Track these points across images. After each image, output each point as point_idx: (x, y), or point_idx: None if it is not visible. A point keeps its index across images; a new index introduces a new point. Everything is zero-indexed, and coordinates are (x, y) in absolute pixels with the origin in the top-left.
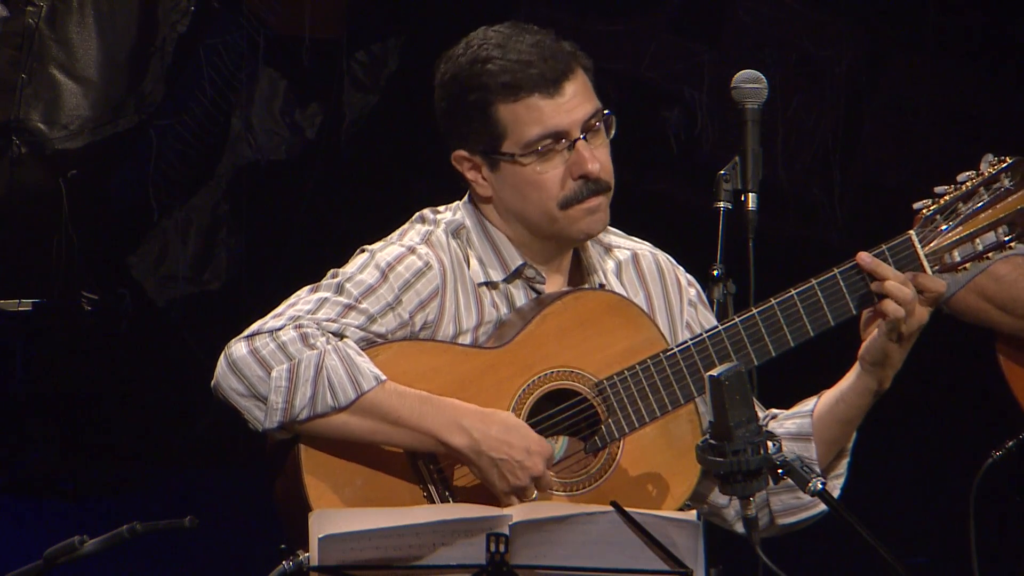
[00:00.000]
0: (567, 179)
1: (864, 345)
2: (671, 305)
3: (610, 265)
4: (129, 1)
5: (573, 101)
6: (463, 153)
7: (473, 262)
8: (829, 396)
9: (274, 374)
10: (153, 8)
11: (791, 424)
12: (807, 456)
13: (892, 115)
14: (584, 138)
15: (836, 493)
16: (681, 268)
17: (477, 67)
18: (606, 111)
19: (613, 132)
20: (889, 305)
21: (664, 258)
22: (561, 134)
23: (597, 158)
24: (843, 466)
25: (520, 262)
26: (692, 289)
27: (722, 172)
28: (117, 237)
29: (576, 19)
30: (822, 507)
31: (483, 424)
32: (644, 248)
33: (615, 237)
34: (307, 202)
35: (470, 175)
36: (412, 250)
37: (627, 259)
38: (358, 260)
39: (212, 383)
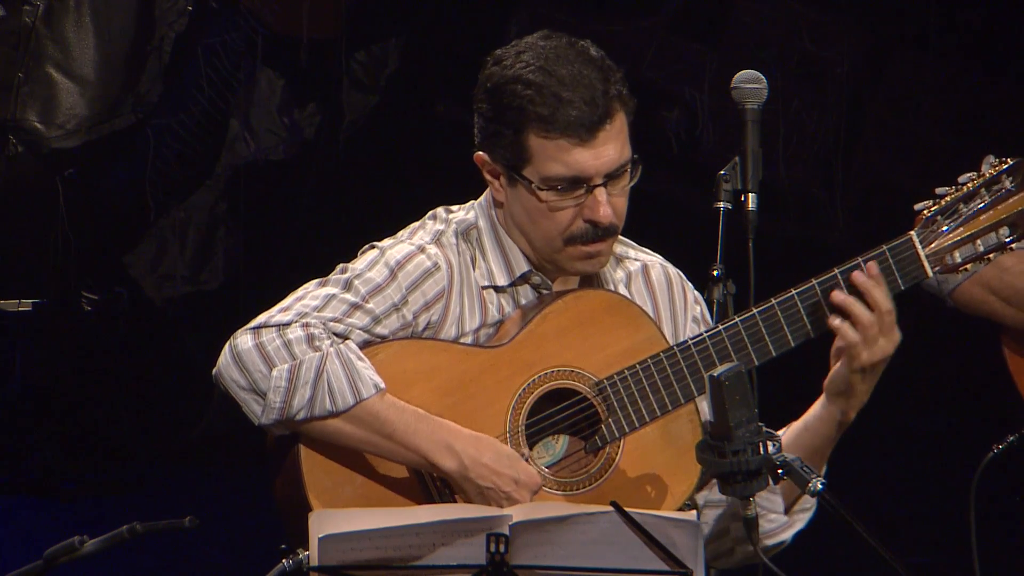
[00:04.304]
0: (577, 218)
1: (829, 374)
2: (676, 319)
3: (620, 275)
4: (126, 0)
5: (604, 149)
6: (486, 157)
7: (480, 264)
8: (796, 427)
9: (275, 372)
10: (150, 7)
11: None
12: (769, 488)
13: (893, 115)
14: (604, 184)
15: (800, 526)
16: (691, 285)
17: (518, 88)
18: (635, 156)
19: (637, 178)
20: (845, 328)
21: (675, 272)
22: (583, 180)
23: (612, 205)
24: (811, 500)
25: (526, 268)
26: (698, 307)
27: (722, 172)
28: (114, 236)
29: (576, 19)
30: (793, 531)
31: (475, 450)
32: (655, 260)
33: (627, 248)
34: (305, 202)
35: (488, 178)
36: (422, 249)
37: (637, 270)
38: (368, 256)
39: (214, 371)
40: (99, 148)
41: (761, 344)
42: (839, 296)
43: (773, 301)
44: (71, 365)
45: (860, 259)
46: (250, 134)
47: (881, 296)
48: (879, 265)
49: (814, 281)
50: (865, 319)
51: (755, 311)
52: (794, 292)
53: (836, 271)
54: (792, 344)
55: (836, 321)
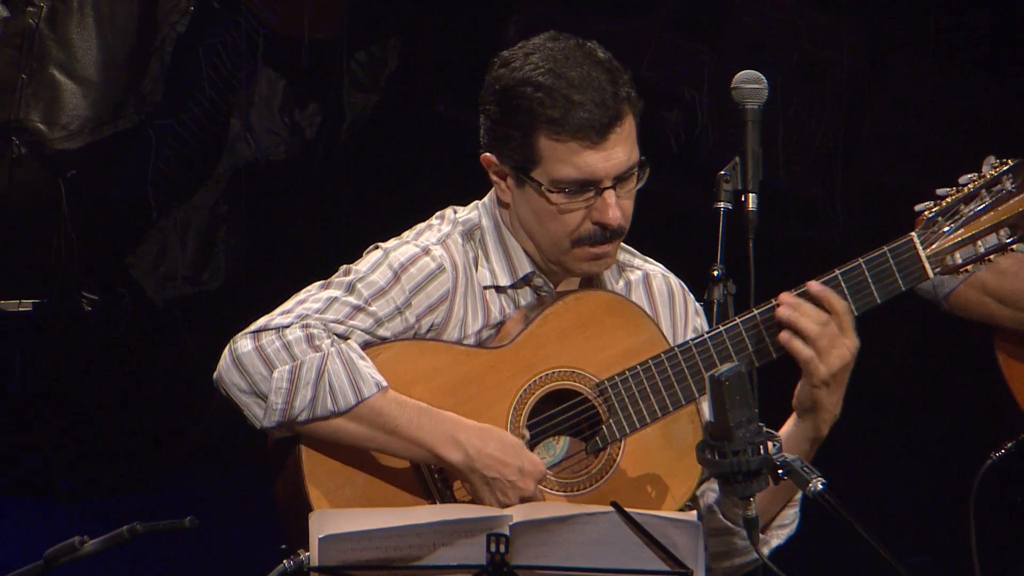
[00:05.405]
0: (586, 220)
1: (796, 391)
2: (676, 329)
3: (621, 284)
4: (129, 1)
5: (614, 152)
6: (493, 159)
7: (483, 264)
8: None
9: (276, 374)
10: (153, 8)
11: None
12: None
13: (893, 116)
14: (613, 186)
15: (779, 542)
16: (692, 296)
17: (528, 90)
18: (643, 158)
19: (644, 180)
20: (797, 346)
21: (676, 283)
22: (592, 182)
23: (620, 207)
24: (790, 516)
25: (529, 270)
26: (699, 319)
27: (722, 172)
28: (116, 237)
29: (576, 19)
30: (767, 548)
31: (480, 441)
32: (658, 270)
33: (630, 256)
34: (306, 202)
35: (495, 179)
36: (427, 251)
37: (638, 279)
38: (371, 258)
39: (215, 375)
40: (101, 149)
41: (762, 345)
42: (784, 312)
43: (773, 302)
44: (72, 366)
45: (861, 260)
46: (251, 134)
47: (836, 300)
48: (879, 266)
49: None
50: (812, 331)
51: (755, 312)
52: (793, 293)
53: (836, 272)
54: None
55: (785, 336)
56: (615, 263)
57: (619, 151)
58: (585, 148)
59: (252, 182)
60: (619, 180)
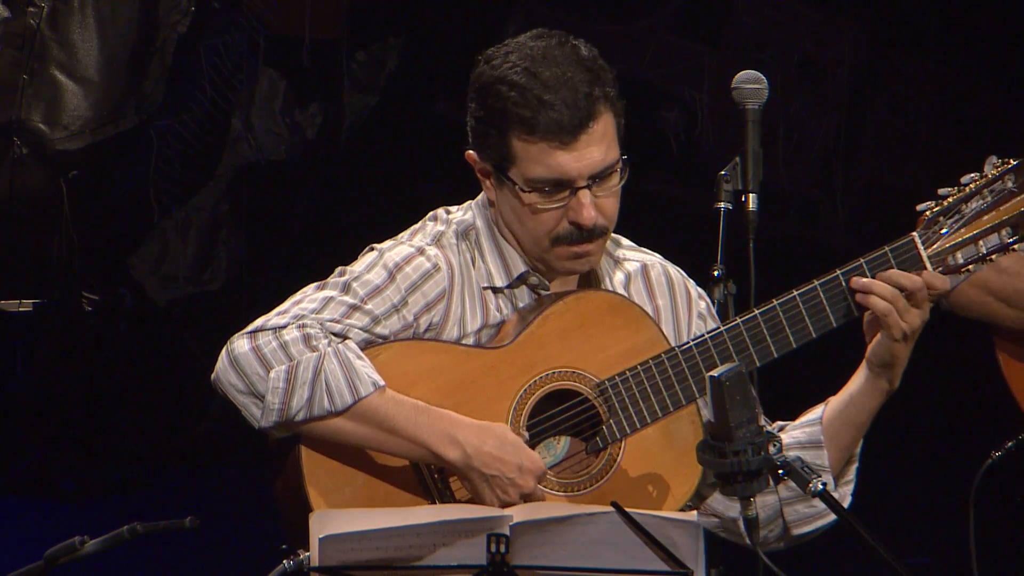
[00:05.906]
0: (562, 220)
1: (870, 348)
2: (679, 317)
3: (619, 277)
4: (130, 2)
5: (586, 152)
6: (475, 156)
7: (479, 265)
8: (837, 401)
9: (272, 374)
10: (153, 8)
11: (800, 433)
12: (819, 464)
13: (894, 116)
14: (589, 186)
15: (847, 501)
16: (692, 281)
17: (503, 89)
18: (624, 156)
19: (625, 178)
20: (875, 301)
21: (674, 270)
22: (566, 183)
23: (600, 206)
24: (852, 472)
25: (524, 269)
26: (702, 302)
27: (723, 172)
28: (117, 237)
29: (576, 19)
30: (834, 515)
31: (477, 439)
32: (655, 259)
33: (625, 249)
34: (307, 202)
35: (480, 176)
36: (421, 251)
37: (636, 271)
38: (366, 259)
39: (212, 376)
40: (103, 150)
41: (763, 345)
42: (859, 281)
43: (775, 302)
44: (72, 366)
45: (862, 260)
46: (252, 135)
47: (908, 281)
48: (881, 266)
49: (815, 282)
50: (890, 293)
51: (756, 312)
52: (795, 293)
53: (837, 272)
54: (794, 345)
55: (860, 296)
56: (611, 258)
57: (593, 151)
58: (555, 149)
59: (253, 182)
60: (596, 179)
